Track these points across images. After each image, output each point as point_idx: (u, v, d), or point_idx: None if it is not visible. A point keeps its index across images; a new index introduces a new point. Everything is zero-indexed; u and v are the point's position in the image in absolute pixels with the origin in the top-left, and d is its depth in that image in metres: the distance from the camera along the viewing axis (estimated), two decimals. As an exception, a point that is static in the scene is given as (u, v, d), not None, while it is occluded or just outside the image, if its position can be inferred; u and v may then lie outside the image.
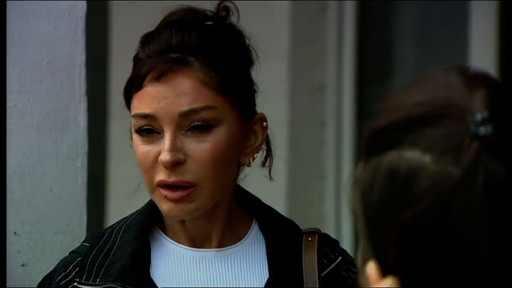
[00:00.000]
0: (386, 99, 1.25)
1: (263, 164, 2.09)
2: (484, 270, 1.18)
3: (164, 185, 1.95)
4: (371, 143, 1.23)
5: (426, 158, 1.17)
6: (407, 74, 4.01)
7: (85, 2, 2.29)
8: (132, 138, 2.03)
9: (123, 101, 2.05)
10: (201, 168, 1.97)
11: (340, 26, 4.05)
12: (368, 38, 4.06)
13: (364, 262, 1.24)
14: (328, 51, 4.03)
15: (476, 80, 1.21)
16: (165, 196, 1.96)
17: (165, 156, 1.93)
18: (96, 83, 2.51)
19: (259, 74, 2.09)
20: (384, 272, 1.20)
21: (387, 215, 1.19)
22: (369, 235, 1.23)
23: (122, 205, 2.26)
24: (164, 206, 1.98)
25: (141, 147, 1.98)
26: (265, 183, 2.32)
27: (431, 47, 3.99)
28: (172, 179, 1.95)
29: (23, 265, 2.20)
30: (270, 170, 2.12)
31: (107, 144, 3.78)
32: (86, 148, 2.28)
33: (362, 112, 4.05)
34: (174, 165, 1.95)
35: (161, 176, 1.95)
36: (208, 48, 1.99)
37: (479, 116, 1.16)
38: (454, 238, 1.17)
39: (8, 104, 2.21)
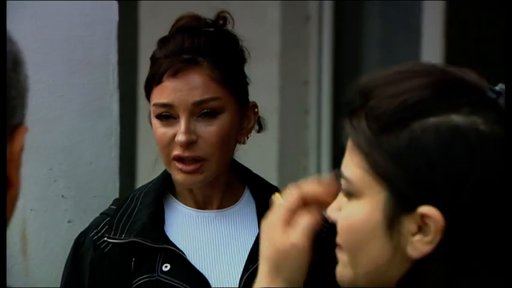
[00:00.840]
0: (385, 81, 1.24)
1: (258, 131, 2.09)
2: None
3: (179, 159, 1.95)
4: (405, 114, 1.19)
5: (475, 119, 1.18)
6: (376, 67, 3.92)
7: (117, 11, 2.27)
8: (150, 122, 2.03)
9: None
10: (209, 146, 1.96)
11: (320, 32, 4.00)
12: (342, 42, 4.01)
13: (396, 217, 1.19)
14: (310, 52, 3.99)
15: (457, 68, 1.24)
16: (180, 169, 1.96)
17: (181, 137, 1.93)
18: (127, 77, 2.51)
19: (255, 71, 2.08)
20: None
21: (453, 160, 1.17)
22: (422, 190, 1.18)
23: (146, 174, 2.27)
24: (179, 177, 1.98)
25: (160, 129, 1.98)
26: (261, 159, 2.35)
27: (390, 49, 3.96)
28: (186, 154, 1.94)
29: (69, 221, 2.19)
30: (260, 129, 2.10)
31: (135, 127, 3.79)
32: (118, 130, 2.28)
33: (338, 102, 4.00)
34: (188, 144, 1.95)
35: (176, 151, 1.95)
36: (213, 51, 1.98)
37: (498, 88, 1.21)
38: (498, 176, 1.17)
39: (57, 94, 2.20)
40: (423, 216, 1.17)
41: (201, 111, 1.96)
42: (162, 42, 2.02)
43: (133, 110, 3.61)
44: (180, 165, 1.96)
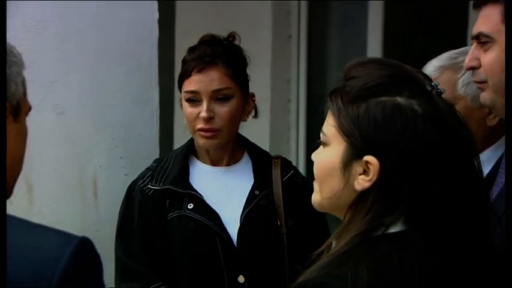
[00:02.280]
0: (354, 69, 1.23)
1: (254, 117, 2.08)
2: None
3: (201, 129, 1.95)
4: (362, 93, 1.20)
5: (412, 102, 1.18)
6: (336, 70, 3.90)
7: (157, 30, 2.23)
8: (181, 105, 2.02)
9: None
10: (222, 121, 1.95)
11: (298, 46, 3.93)
12: (313, 53, 3.93)
13: (349, 162, 1.20)
14: (292, 60, 3.92)
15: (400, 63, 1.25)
16: (202, 135, 1.96)
17: (204, 114, 1.93)
18: (164, 77, 2.50)
19: (254, 72, 2.07)
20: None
21: (392, 128, 1.17)
22: (368, 145, 1.19)
23: (177, 142, 2.27)
24: (201, 141, 1.97)
25: (189, 109, 1.97)
26: (258, 133, 2.33)
27: (345, 59, 3.79)
28: (207, 126, 1.94)
29: (125, 174, 2.16)
30: (256, 114, 2.08)
31: (171, 110, 3.71)
32: (158, 112, 2.26)
33: (310, 95, 3.93)
34: (208, 119, 1.94)
35: (200, 124, 1.95)
36: (226, 56, 1.97)
37: (432, 82, 1.21)
38: (444, 147, 1.17)
39: (117, 88, 2.16)
40: (367, 162, 1.18)
41: (217, 96, 1.96)
42: (191, 49, 2.01)
43: (169, 98, 3.55)
44: (202, 134, 1.96)
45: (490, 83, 1.47)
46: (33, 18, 1.91)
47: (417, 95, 1.20)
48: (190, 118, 1.98)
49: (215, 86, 1.96)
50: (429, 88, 1.22)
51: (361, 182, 1.19)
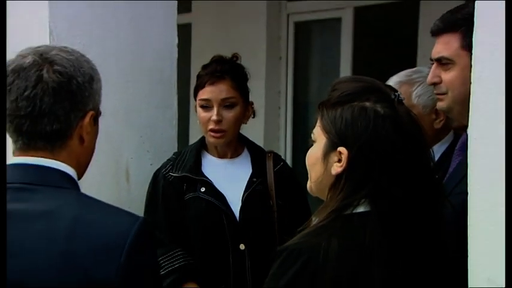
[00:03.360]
0: (338, 84, 1.24)
1: (253, 117, 2.04)
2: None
3: (212, 130, 1.94)
4: (339, 100, 1.20)
5: (376, 106, 1.18)
6: (316, 84, 3.94)
7: (176, 45, 2.18)
8: (195, 111, 2.00)
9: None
10: (228, 123, 1.94)
11: (287, 65, 3.92)
12: (299, 71, 3.91)
13: (330, 151, 1.20)
14: (281, 76, 3.91)
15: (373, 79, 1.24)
16: (213, 136, 1.95)
17: (214, 117, 1.92)
18: (182, 88, 2.49)
19: (252, 85, 2.06)
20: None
21: (358, 125, 1.17)
22: (341, 138, 1.18)
23: (193, 140, 2.25)
24: (211, 140, 1.96)
25: (202, 114, 1.95)
26: (255, 132, 2.33)
27: (324, 74, 3.88)
28: (216, 128, 1.93)
29: (151, 164, 2.11)
30: (254, 115, 2.05)
31: (187, 114, 3.64)
32: (176, 116, 2.21)
33: (296, 103, 3.93)
34: (218, 122, 1.93)
35: (211, 126, 1.93)
36: (231, 72, 1.95)
37: (396, 92, 1.20)
38: (399, 141, 1.16)
39: (143, 96, 2.10)
40: (340, 152, 1.18)
41: (225, 104, 1.94)
42: (204, 67, 2.00)
43: (186, 105, 3.51)
44: (212, 134, 1.95)
45: (450, 95, 1.49)
46: (81, 42, 1.89)
47: (381, 100, 1.19)
48: (204, 121, 1.96)
49: (223, 95, 1.94)
50: (392, 96, 1.21)
51: (336, 168, 1.19)
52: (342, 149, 1.18)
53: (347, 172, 1.17)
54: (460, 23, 1.42)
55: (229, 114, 1.94)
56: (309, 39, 3.99)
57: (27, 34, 1.87)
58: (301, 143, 3.71)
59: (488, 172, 1.01)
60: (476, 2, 1.04)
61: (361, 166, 1.16)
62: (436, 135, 1.91)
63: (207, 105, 1.95)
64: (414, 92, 1.92)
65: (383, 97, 1.20)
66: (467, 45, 1.39)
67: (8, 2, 1.97)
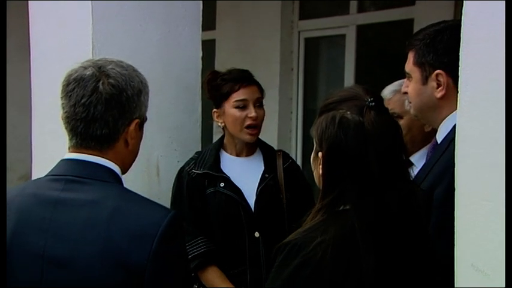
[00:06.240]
0: (330, 93, 1.23)
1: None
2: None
3: (250, 126, 1.91)
4: (325, 108, 1.20)
5: (346, 113, 1.16)
6: (324, 92, 3.92)
7: (200, 57, 2.14)
8: (216, 116, 1.96)
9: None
10: (261, 120, 1.94)
11: (298, 76, 3.92)
12: (309, 80, 3.91)
13: (316, 153, 1.20)
14: (293, 85, 3.92)
15: (365, 88, 1.21)
16: (249, 133, 1.92)
17: (253, 114, 1.90)
18: (205, 95, 2.47)
19: (268, 93, 2.05)
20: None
21: (328, 131, 1.16)
22: (320, 144, 1.18)
23: (214, 139, 2.24)
24: (247, 137, 1.93)
25: (238, 113, 1.91)
26: (270, 131, 2.29)
27: (330, 83, 3.85)
28: (254, 122, 1.91)
29: (178, 161, 2.10)
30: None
31: (209, 118, 3.73)
32: (200, 119, 2.19)
33: (306, 109, 3.93)
34: (255, 118, 1.91)
35: (249, 122, 1.91)
36: (255, 79, 1.95)
37: (370, 99, 1.16)
38: (360, 143, 1.14)
39: (172, 102, 2.09)
40: (318, 153, 1.19)
41: (257, 103, 1.94)
42: (224, 74, 1.95)
43: (208, 110, 3.52)
44: (249, 130, 1.93)
45: (412, 103, 1.54)
46: (117, 55, 1.90)
47: (353, 108, 1.17)
48: (240, 119, 1.92)
49: (257, 95, 1.94)
50: (368, 103, 1.18)
51: (318, 169, 1.20)
52: (320, 153, 1.19)
53: (323, 173, 1.17)
54: (415, 43, 1.46)
55: (261, 112, 1.94)
56: (317, 53, 4.02)
57: (75, 47, 1.93)
58: (310, 144, 3.81)
59: (474, 170, 0.99)
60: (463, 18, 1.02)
61: (331, 168, 1.16)
62: (425, 138, 1.90)
63: (243, 106, 1.92)
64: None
65: (356, 105, 1.18)
66: (418, 62, 1.45)
67: (57, 20, 1.98)
